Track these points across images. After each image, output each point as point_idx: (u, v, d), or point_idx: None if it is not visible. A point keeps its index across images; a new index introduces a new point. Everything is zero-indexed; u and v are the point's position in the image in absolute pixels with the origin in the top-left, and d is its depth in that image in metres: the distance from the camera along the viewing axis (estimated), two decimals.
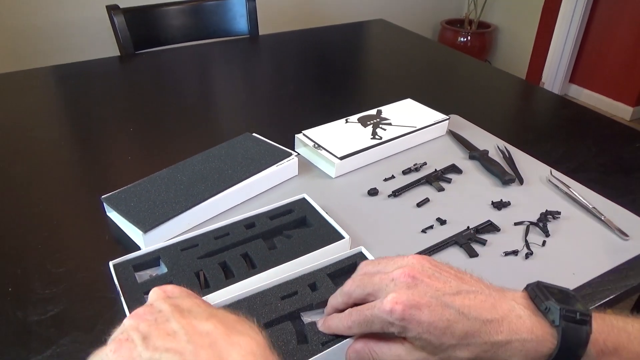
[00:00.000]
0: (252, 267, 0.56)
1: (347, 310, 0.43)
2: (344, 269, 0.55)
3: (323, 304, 0.48)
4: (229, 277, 0.54)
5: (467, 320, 0.38)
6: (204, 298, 0.50)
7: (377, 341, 0.41)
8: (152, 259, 0.56)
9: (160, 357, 0.31)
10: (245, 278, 0.53)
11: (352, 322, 0.42)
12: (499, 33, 3.21)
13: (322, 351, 0.44)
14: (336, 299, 0.45)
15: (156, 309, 0.35)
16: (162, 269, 0.56)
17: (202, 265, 0.55)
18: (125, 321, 0.34)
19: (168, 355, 0.31)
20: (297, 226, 0.63)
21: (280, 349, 0.44)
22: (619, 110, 2.80)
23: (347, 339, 0.44)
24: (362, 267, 0.45)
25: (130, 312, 0.48)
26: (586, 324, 0.38)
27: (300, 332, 0.47)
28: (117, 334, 0.34)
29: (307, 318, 0.49)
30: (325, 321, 0.46)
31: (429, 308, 0.38)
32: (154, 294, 0.38)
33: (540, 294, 0.40)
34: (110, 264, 0.55)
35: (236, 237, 0.60)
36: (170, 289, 0.38)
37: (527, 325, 0.38)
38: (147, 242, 0.59)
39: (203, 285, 0.53)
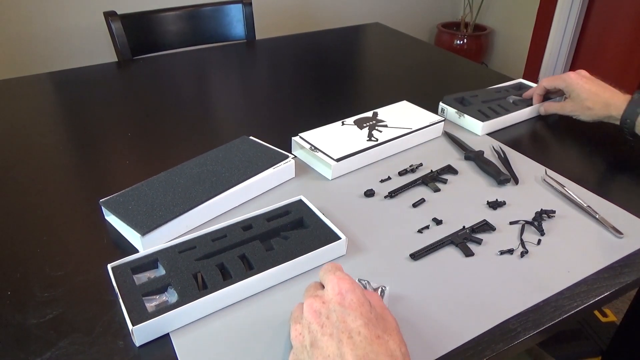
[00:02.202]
0: (250, 269, 0.56)
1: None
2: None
3: None
4: (227, 278, 0.55)
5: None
6: (207, 297, 0.51)
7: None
8: (150, 262, 0.57)
9: None
10: (243, 279, 0.54)
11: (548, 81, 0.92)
12: (495, 35, 3.22)
13: None
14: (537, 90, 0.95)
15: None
16: (160, 271, 0.56)
17: (200, 267, 0.56)
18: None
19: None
20: (294, 227, 0.64)
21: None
22: None
23: None
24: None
25: (130, 315, 0.49)
26: None
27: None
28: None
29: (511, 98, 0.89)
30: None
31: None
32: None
33: None
34: (109, 266, 0.55)
35: (234, 238, 0.60)
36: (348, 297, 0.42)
37: None
38: (145, 244, 0.60)
39: (201, 287, 0.54)
